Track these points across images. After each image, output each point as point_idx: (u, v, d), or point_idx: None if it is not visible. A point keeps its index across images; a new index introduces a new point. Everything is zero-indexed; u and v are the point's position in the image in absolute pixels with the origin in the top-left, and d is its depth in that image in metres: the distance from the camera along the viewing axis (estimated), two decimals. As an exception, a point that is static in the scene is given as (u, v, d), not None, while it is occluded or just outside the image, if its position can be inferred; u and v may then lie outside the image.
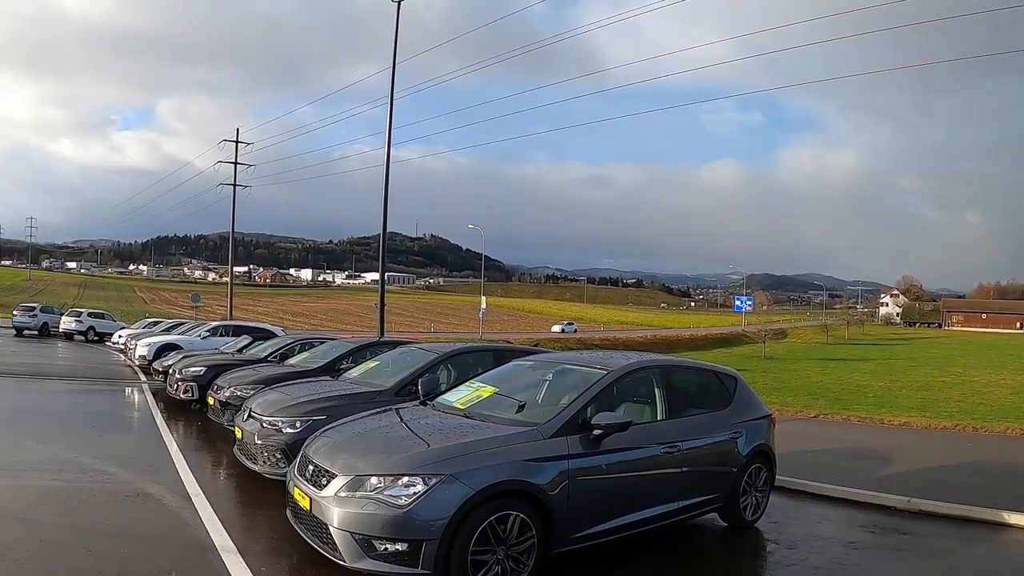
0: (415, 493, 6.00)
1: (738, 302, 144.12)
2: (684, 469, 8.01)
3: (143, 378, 24.60)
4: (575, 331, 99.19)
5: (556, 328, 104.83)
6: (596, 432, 7.02)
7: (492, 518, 6.16)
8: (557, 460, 6.72)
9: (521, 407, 7.81)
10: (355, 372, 12.51)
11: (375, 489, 6.12)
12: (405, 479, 6.10)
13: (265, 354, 18.34)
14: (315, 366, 14.38)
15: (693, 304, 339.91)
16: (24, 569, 6.32)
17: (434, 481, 6.05)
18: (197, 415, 15.93)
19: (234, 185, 60.99)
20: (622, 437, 7.20)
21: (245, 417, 10.32)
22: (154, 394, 19.87)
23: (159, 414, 16.24)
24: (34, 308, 55.61)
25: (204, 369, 16.75)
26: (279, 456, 9.39)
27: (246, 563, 6.71)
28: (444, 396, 8.65)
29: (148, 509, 8.57)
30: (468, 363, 11.76)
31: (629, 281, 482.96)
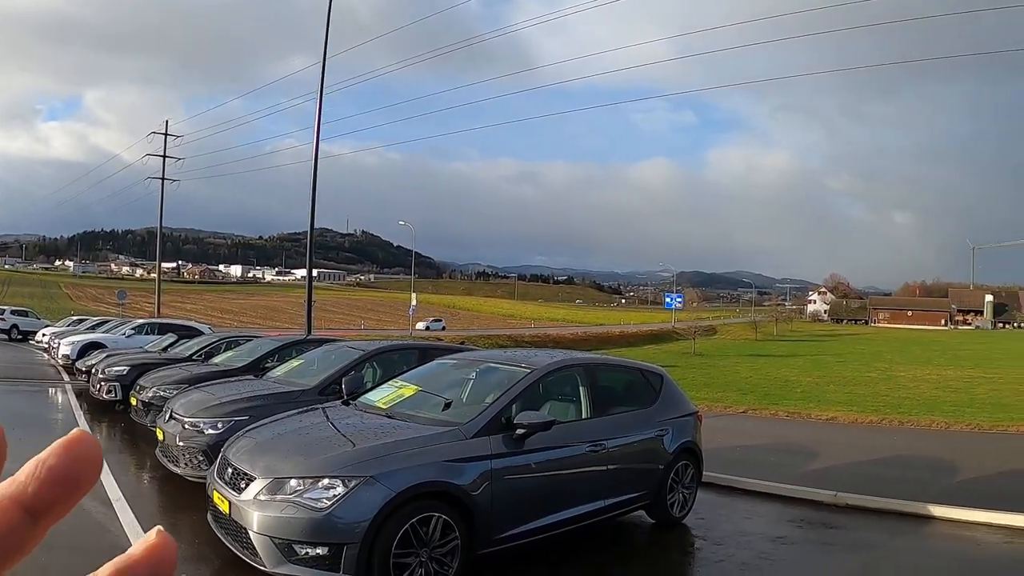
0: (335, 496, 5.92)
1: (668, 299, 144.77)
2: (610, 467, 8.03)
3: (66, 378, 24.05)
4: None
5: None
6: (519, 431, 6.99)
7: (414, 520, 6.09)
8: (480, 460, 6.69)
9: (444, 406, 7.77)
10: (279, 371, 12.40)
11: (295, 492, 6.03)
12: (325, 481, 6.02)
13: (190, 353, 18.11)
14: (239, 365, 14.25)
15: (624, 301, 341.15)
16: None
17: (354, 483, 5.97)
18: (120, 416, 15.66)
19: (162, 179, 59.79)
20: (546, 436, 7.18)
21: (167, 418, 10.15)
22: (77, 395, 19.45)
23: (82, 416, 15.96)
24: (-47, 306, 53.71)
25: (127, 368, 16.43)
26: (201, 458, 9.23)
27: (166, 569, 6.54)
28: (367, 395, 8.60)
29: (68, 516, 8.38)
30: (393, 361, 11.76)
31: (560, 278, 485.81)
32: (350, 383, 9.20)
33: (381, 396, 8.35)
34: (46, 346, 35.67)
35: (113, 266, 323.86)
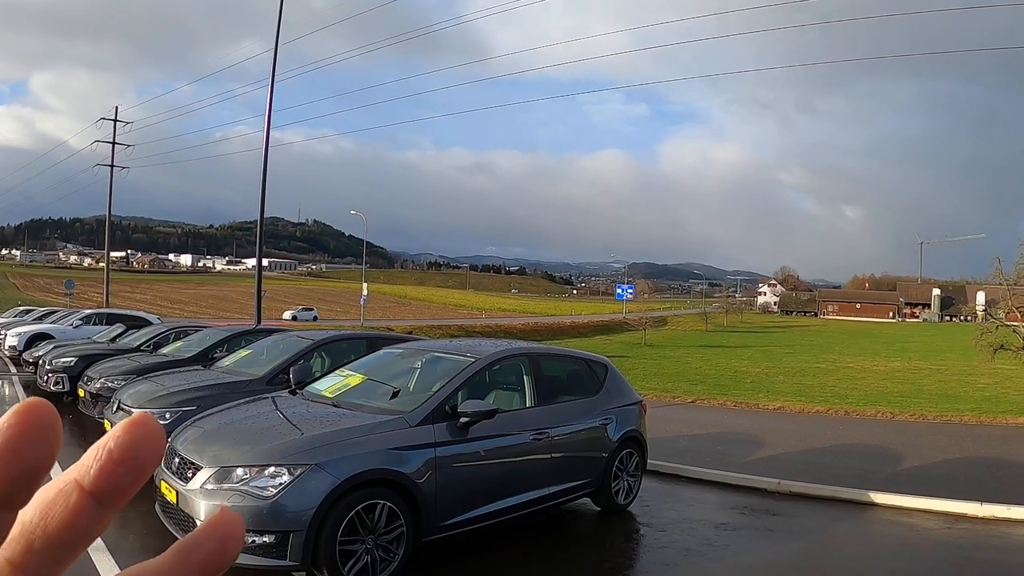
0: (281, 484, 5.99)
1: (619, 290, 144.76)
2: (554, 455, 8.16)
3: (13, 370, 23.78)
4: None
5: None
6: (463, 420, 7.12)
7: (359, 507, 6.19)
8: (424, 448, 6.79)
9: (391, 395, 7.84)
10: (228, 361, 12.39)
11: (241, 480, 6.09)
12: (271, 469, 6.08)
13: (138, 343, 17.97)
14: (188, 355, 14.21)
15: (575, 292, 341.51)
16: None
17: (300, 471, 6.04)
18: (69, 408, 15.49)
19: (111, 166, 58.92)
20: (490, 424, 7.30)
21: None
22: (25, 387, 19.34)
23: (28, 407, 15.72)
24: None
25: (75, 359, 16.32)
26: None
27: (115, 561, 6.60)
28: (313, 385, 8.66)
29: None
30: (342, 350, 11.80)
31: (512, 268, 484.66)
32: (298, 372, 9.23)
33: (328, 385, 8.41)
34: (-8, 337, 35.12)
35: (61, 255, 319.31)
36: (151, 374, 11.78)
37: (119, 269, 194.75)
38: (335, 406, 7.59)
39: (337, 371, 8.99)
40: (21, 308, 46.91)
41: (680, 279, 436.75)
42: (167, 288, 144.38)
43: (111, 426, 6.89)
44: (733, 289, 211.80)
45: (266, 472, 6.07)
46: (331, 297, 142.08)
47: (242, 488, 6.02)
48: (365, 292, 79.39)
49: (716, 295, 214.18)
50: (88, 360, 15.74)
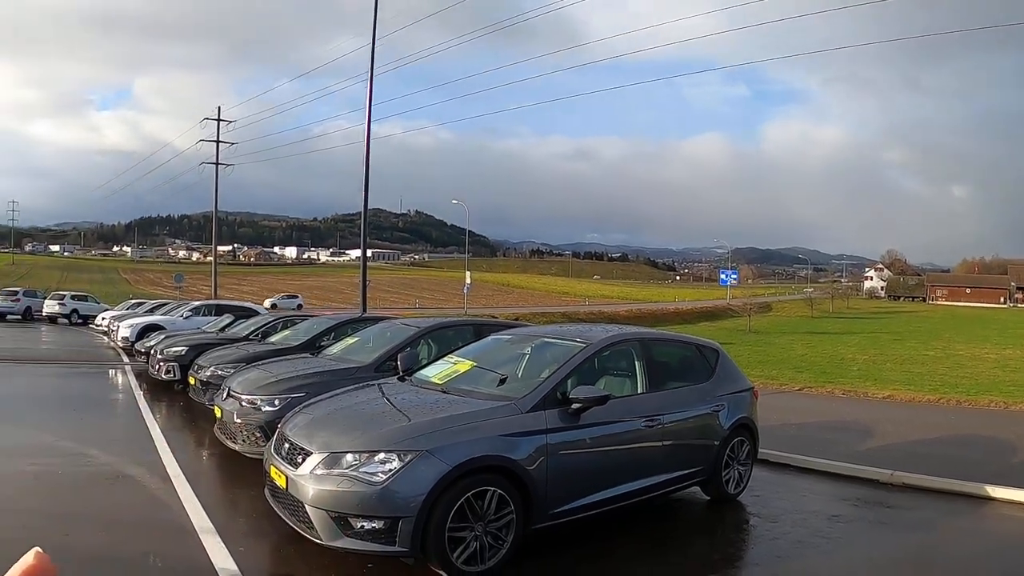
0: (391, 470, 5.91)
1: (723, 276, 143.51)
2: (665, 443, 7.93)
3: (126, 359, 24.47)
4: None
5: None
6: (575, 406, 6.93)
7: (469, 494, 6.07)
8: (535, 435, 6.63)
9: (500, 381, 7.72)
10: (335, 348, 12.42)
11: (350, 466, 6.04)
12: (381, 455, 6.01)
13: (246, 333, 18.24)
14: (296, 343, 14.36)
15: (678, 278, 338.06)
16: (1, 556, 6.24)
17: (410, 457, 5.96)
18: (179, 395, 15.84)
19: (216, 164, 60.69)
20: (601, 411, 7.10)
21: (225, 396, 10.23)
22: (137, 375, 19.78)
23: (141, 396, 16.16)
24: (16, 292, 55.46)
25: (185, 349, 16.66)
26: (258, 435, 9.32)
27: (225, 544, 6.63)
28: (422, 371, 8.56)
29: (128, 492, 8.50)
30: (448, 337, 11.71)
31: (615, 255, 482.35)
32: (406, 359, 9.14)
33: (436, 372, 8.32)
34: (106, 329, 36.46)
35: (170, 250, 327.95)
36: (260, 362, 11.89)
37: (226, 262, 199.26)
38: (444, 392, 7.51)
39: (445, 357, 8.88)
40: (133, 301, 48.37)
41: (784, 264, 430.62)
42: (273, 280, 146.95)
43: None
44: (838, 273, 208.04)
45: (376, 458, 6.00)
46: (434, 286, 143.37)
47: (352, 473, 5.98)
48: (468, 280, 79.74)
49: (821, 280, 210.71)
50: (198, 349, 16.02)
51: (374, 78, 30.24)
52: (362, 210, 31.34)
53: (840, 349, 42.49)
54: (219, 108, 62.08)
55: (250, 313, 25.34)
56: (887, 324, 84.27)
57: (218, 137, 60.91)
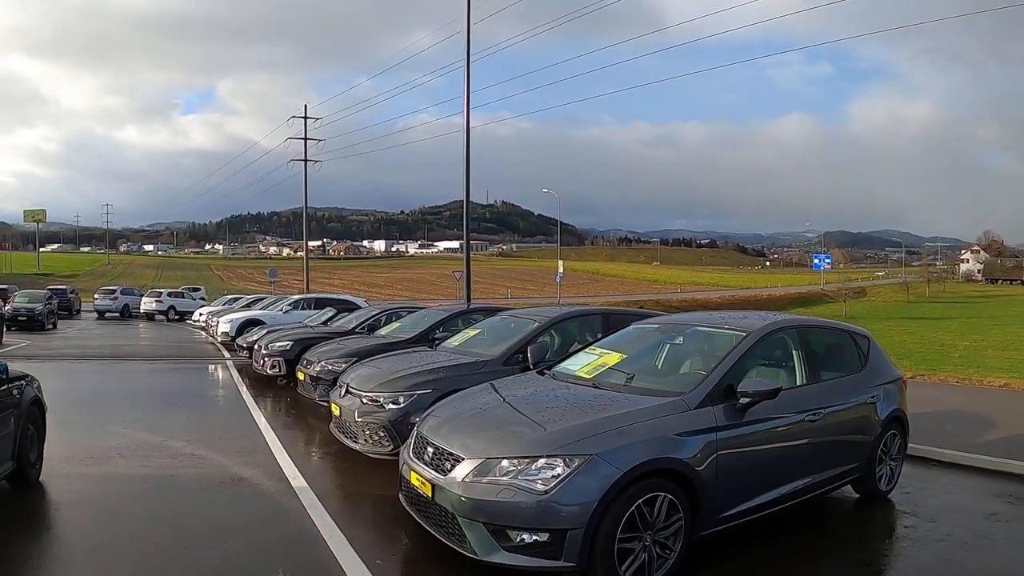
0: (555, 476, 5.34)
1: (816, 260, 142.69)
2: (826, 438, 7.38)
3: (226, 355, 24.48)
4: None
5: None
6: (743, 400, 6.33)
7: (640, 501, 5.47)
8: (705, 433, 6.05)
9: (655, 375, 7.33)
10: (454, 341, 11.75)
11: (508, 473, 5.46)
12: (542, 461, 5.44)
13: (352, 326, 17.67)
14: (407, 336, 13.73)
15: (768, 264, 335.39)
16: (114, 571, 5.74)
17: (577, 463, 5.37)
18: (284, 391, 15.47)
19: (304, 160, 61.50)
20: (768, 405, 6.51)
21: (343, 393, 9.70)
22: (239, 370, 19.60)
23: (246, 391, 15.84)
24: (115, 291, 56.78)
25: (291, 343, 16.26)
26: (382, 434, 8.76)
27: (358, 555, 6.12)
28: (563, 365, 7.92)
29: (244, 496, 8.01)
30: (574, 329, 11.15)
31: (703, 242, 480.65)
32: (536, 352, 8.73)
33: (581, 365, 7.67)
34: (203, 325, 36.76)
35: (261, 247, 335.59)
36: (375, 357, 11.35)
37: (316, 257, 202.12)
38: (596, 387, 6.89)
39: (587, 349, 8.23)
40: (228, 296, 48.98)
41: (875, 247, 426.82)
42: (363, 273, 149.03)
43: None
44: (933, 256, 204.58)
45: (537, 464, 5.42)
46: (524, 275, 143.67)
47: (510, 481, 5.40)
48: (561, 270, 79.06)
49: (915, 263, 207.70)
50: (304, 343, 15.65)
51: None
52: (461, 201, 31.18)
53: (939, 335, 41.47)
54: (305, 106, 62.97)
55: (351, 306, 25.10)
56: (986, 308, 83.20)
57: (305, 134, 61.85)
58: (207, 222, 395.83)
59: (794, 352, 7.73)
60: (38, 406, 8.31)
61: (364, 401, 9.14)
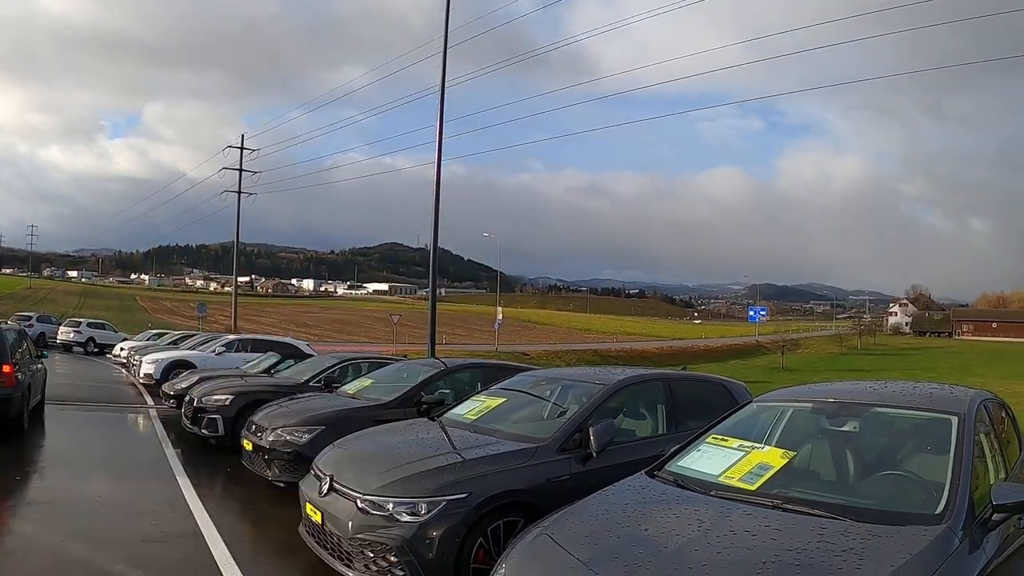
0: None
1: (752, 312, 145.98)
2: None
3: (150, 401, 21.07)
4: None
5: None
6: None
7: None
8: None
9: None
10: (464, 411, 8.32)
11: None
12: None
13: (305, 378, 14.52)
14: (389, 397, 10.62)
15: (696, 315, 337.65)
16: None
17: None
18: (225, 459, 12.06)
19: (239, 192, 60.45)
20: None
21: (324, 490, 6.59)
22: (163, 423, 16.30)
23: (175, 456, 12.59)
24: (30, 317, 53.18)
25: (230, 397, 13.23)
26: (394, 560, 5.80)
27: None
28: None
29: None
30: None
31: (631, 292, 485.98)
32: (602, 434, 6.89)
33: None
34: (124, 361, 33.59)
35: (188, 279, 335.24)
36: (364, 432, 8.19)
37: (245, 293, 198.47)
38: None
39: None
40: (153, 331, 46.23)
41: (801, 300, 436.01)
42: (292, 311, 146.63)
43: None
44: (860, 309, 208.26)
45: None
46: (456, 321, 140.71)
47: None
48: (500, 316, 77.51)
49: (840, 316, 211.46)
50: (247, 398, 12.97)
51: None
52: (432, 244, 30.06)
53: (879, 387, 40.61)
54: (243, 136, 62.53)
55: (295, 351, 22.52)
56: (919, 360, 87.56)
57: (240, 165, 60.95)
58: (134, 251, 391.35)
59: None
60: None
61: (362, 506, 6.10)
